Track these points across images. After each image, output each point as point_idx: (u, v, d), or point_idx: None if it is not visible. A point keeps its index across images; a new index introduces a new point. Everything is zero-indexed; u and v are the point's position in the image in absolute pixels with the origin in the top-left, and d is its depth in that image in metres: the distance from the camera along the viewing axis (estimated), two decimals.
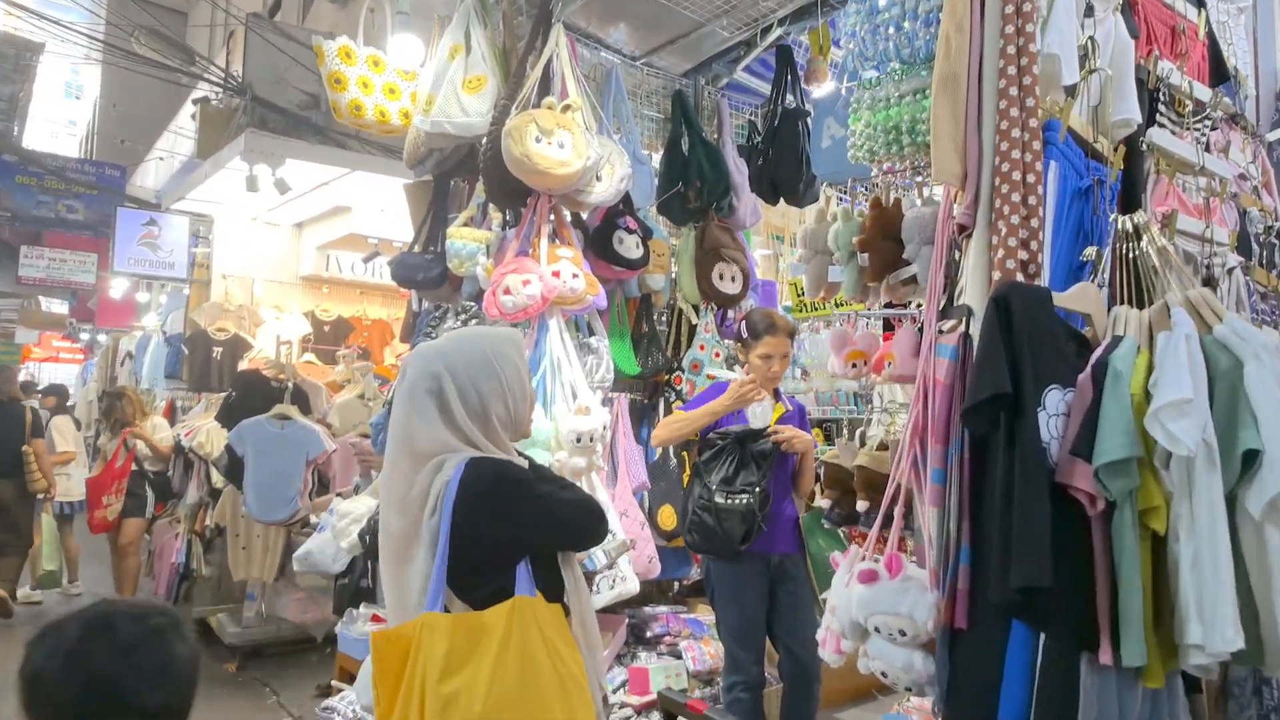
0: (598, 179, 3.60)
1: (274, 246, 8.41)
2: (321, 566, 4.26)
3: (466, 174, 4.20)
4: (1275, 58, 4.07)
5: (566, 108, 3.47)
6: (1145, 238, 1.87)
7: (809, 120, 4.34)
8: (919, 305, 2.30)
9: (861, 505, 2.20)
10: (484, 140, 3.61)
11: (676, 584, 4.70)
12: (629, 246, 3.93)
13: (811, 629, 3.42)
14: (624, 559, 3.33)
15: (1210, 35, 2.72)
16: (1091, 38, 2.09)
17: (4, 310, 15.03)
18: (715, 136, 4.63)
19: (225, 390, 6.78)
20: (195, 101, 8.44)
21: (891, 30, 2.12)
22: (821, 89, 4.33)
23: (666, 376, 4.33)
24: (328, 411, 6.34)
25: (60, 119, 22.63)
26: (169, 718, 1.36)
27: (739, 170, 4.53)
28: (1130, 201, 2.11)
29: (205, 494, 6.41)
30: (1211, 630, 1.56)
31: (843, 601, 1.91)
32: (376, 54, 4.13)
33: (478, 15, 3.93)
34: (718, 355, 4.33)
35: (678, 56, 4.77)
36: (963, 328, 1.85)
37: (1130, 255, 1.89)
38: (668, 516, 4.12)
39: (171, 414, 8.31)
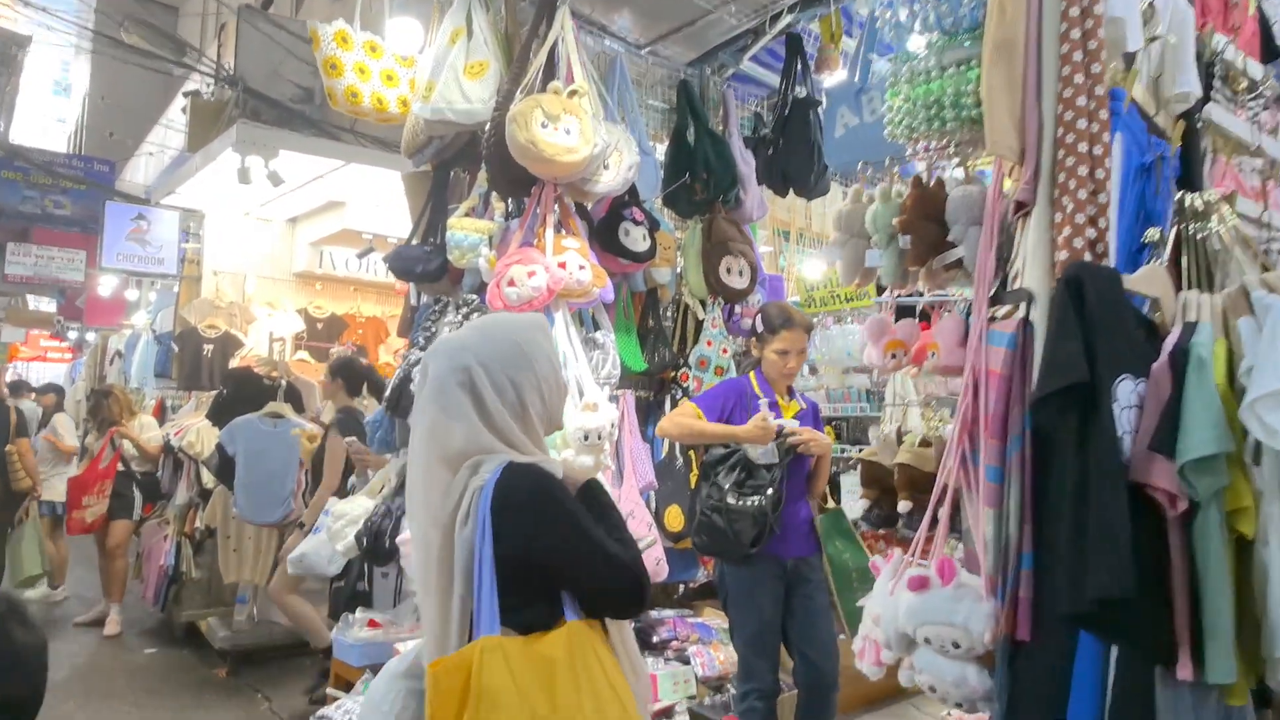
0: (605, 167, 3.47)
1: (266, 242, 8.24)
2: (316, 570, 4.12)
3: (467, 163, 4.06)
4: None
5: (573, 93, 3.34)
6: (1215, 217, 1.75)
7: (820, 110, 4.21)
8: (960, 293, 2.16)
9: (904, 506, 2.06)
10: (487, 127, 3.47)
11: (682, 586, 4.57)
12: (635, 239, 3.80)
13: (829, 634, 3.30)
14: None
15: (1260, 11, 2.60)
16: (1151, 3, 1.96)
17: None
18: (721, 128, 4.51)
19: (216, 388, 6.63)
20: (186, 94, 8.28)
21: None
22: (833, 78, 4.21)
23: (673, 373, 4.21)
24: (321, 410, 6.19)
25: (49, 115, 22.39)
26: (16, 711, 1.22)
27: (745, 162, 4.42)
28: (1188, 181, 1.98)
29: (195, 495, 6.25)
30: None
31: (887, 610, 1.77)
32: (374, 39, 3.99)
33: None
34: (725, 351, 4.21)
35: (683, 45, 4.66)
36: (1021, 313, 1.71)
37: (1197, 236, 1.76)
38: (674, 517, 3.98)
39: (161, 413, 8.15)
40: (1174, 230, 1.79)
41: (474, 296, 3.68)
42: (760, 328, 3.43)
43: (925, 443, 2.13)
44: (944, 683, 1.71)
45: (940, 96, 1.97)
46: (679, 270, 4.36)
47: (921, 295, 3.29)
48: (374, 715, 1.75)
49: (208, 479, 6.02)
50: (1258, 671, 1.54)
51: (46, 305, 14.96)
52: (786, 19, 4.25)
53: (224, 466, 5.38)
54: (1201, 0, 2.29)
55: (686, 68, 4.70)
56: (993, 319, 1.78)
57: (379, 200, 7.03)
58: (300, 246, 8.32)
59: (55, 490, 7.08)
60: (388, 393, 3.72)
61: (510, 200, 3.73)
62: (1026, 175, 1.73)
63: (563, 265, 3.34)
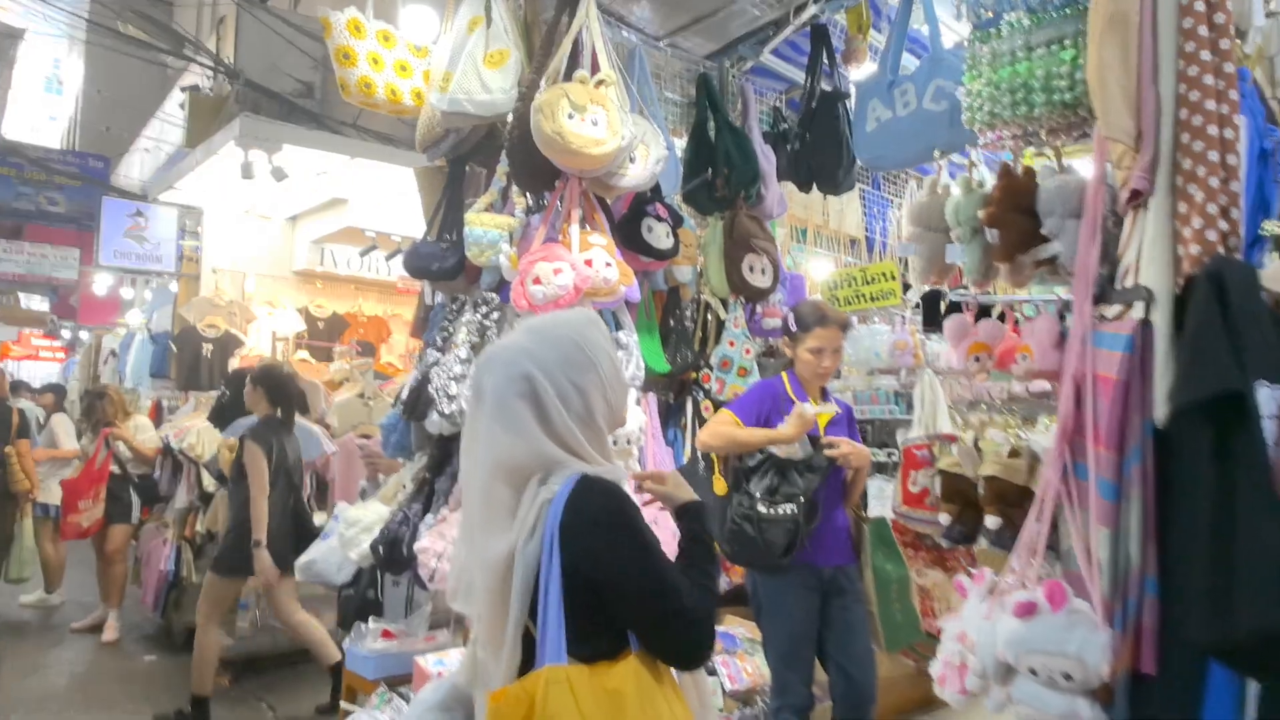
0: (631, 160, 3.34)
1: (266, 240, 8.10)
2: (325, 577, 3.97)
3: (484, 156, 3.91)
4: None
5: (600, 82, 3.20)
6: None
7: (848, 103, 4.09)
8: (1054, 292, 2.01)
9: (993, 521, 1.92)
10: (510, 118, 3.34)
11: None
12: (659, 235, 3.67)
13: (867, 647, 3.18)
14: None
15: None
16: None
17: None
18: (740, 122, 4.38)
19: (215, 389, 6.48)
20: (184, 89, 8.13)
21: None
22: (860, 70, 4.08)
23: (695, 374, 4.08)
24: (326, 412, 6.05)
25: (40, 112, 22.14)
26: None
27: (766, 158, 4.29)
28: None
29: (196, 498, 6.10)
30: None
31: (983, 636, 1.63)
32: (387, 28, 3.85)
33: None
34: (748, 352, 4.08)
35: (702, 37, 4.52)
36: (1139, 313, 1.58)
37: None
38: None
39: (157, 414, 8.00)
40: None
41: (493, 295, 3.55)
42: (793, 326, 3.31)
43: (1014, 453, 1.99)
44: (1048, 717, 1.56)
45: (1028, 79, 1.84)
46: (699, 268, 4.23)
47: (966, 292, 3.15)
48: None
49: (209, 482, 5.88)
50: None
51: (39, 304, 14.78)
52: (811, 9, 4.11)
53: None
54: None
55: (705, 60, 4.58)
56: (1101, 319, 1.64)
57: (382, 197, 6.90)
58: (301, 244, 8.18)
59: (52, 493, 6.92)
60: (404, 395, 3.58)
61: (530, 195, 3.59)
62: (1144, 162, 1.59)
63: (589, 263, 3.21)
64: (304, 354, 7.62)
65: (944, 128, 3.32)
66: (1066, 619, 1.54)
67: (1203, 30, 1.62)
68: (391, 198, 6.82)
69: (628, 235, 3.63)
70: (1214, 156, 1.56)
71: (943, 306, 5.25)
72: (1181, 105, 1.61)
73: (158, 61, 9.19)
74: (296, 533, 4.71)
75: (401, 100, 3.84)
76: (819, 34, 4.22)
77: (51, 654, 6.05)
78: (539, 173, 3.30)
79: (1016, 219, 1.87)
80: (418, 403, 3.47)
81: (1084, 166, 2.01)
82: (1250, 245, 1.75)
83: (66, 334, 16.07)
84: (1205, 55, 1.61)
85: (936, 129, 3.36)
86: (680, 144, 4.30)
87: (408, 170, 6.01)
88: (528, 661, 1.56)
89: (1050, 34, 1.83)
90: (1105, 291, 1.70)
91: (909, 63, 3.65)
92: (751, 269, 4.11)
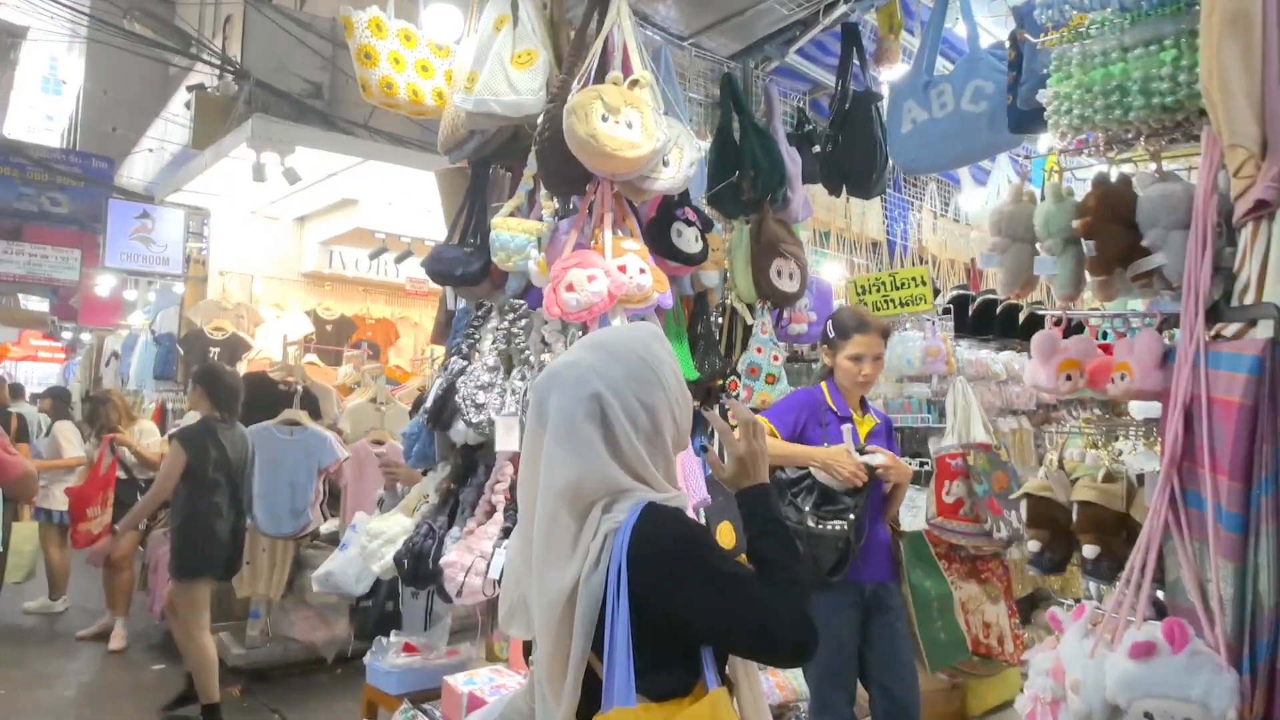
0: (664, 164, 3.25)
1: (274, 241, 7.98)
2: (343, 589, 3.88)
3: (509, 159, 3.82)
4: None
5: (634, 83, 3.11)
6: None
7: (881, 105, 4.00)
8: (1158, 307, 1.91)
9: (1090, 550, 1.82)
10: (540, 119, 3.24)
11: None
12: (688, 240, 3.58)
13: (911, 665, 3.09)
14: None
15: None
16: None
17: None
18: (765, 124, 4.30)
19: None
20: (190, 89, 8.02)
21: None
22: (892, 71, 4.00)
23: (721, 382, 3.99)
24: (339, 418, 5.96)
25: (38, 113, 22.00)
26: None
27: (792, 160, 4.21)
28: None
29: None
30: None
31: (1089, 676, 1.53)
32: (408, 27, 3.76)
33: None
34: (776, 359, 3.99)
35: (728, 36, 4.43)
36: (1267, 333, 1.48)
37: None
38: (727, 534, 3.76)
39: (162, 417, 7.90)
40: None
41: (520, 301, 3.45)
42: (831, 333, 3.22)
43: (1109, 477, 1.90)
44: None
45: (1124, 81, 1.74)
46: (725, 273, 4.14)
47: (1029, 303, 3.05)
48: None
49: None
50: None
51: (39, 305, 14.67)
52: (842, 8, 4.03)
53: None
54: None
55: (729, 60, 4.49)
56: (1218, 338, 1.55)
57: (392, 198, 6.80)
58: (309, 246, 8.08)
59: (56, 499, 6.81)
60: (428, 404, 3.48)
61: (557, 199, 3.50)
62: (1273, 170, 1.50)
63: (622, 269, 3.11)
64: (312, 357, 7.52)
65: (983, 130, 3.24)
66: (1188, 660, 1.44)
67: None
68: (401, 199, 6.72)
69: (656, 240, 3.53)
70: None
71: (970, 310, 5.17)
72: None
73: (164, 60, 9.07)
74: (233, 539, 4.72)
75: (423, 101, 3.75)
76: (850, 33, 4.14)
77: (58, 664, 5.95)
78: (571, 176, 3.21)
79: (1114, 229, 1.77)
80: (443, 412, 3.37)
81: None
82: None
83: (67, 335, 15.96)
84: None
85: (975, 131, 3.27)
86: (703, 145, 4.21)
87: (417, 171, 5.93)
88: (591, 699, 1.48)
89: (1148, 33, 1.74)
90: (1218, 309, 1.61)
91: (941, 64, 3.57)
92: (779, 274, 4.02)
